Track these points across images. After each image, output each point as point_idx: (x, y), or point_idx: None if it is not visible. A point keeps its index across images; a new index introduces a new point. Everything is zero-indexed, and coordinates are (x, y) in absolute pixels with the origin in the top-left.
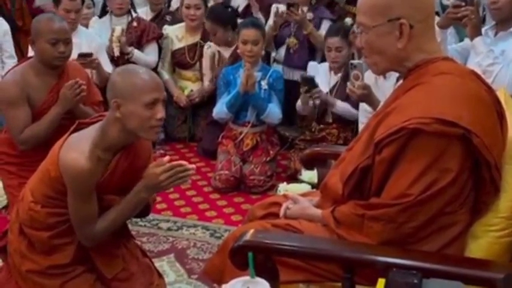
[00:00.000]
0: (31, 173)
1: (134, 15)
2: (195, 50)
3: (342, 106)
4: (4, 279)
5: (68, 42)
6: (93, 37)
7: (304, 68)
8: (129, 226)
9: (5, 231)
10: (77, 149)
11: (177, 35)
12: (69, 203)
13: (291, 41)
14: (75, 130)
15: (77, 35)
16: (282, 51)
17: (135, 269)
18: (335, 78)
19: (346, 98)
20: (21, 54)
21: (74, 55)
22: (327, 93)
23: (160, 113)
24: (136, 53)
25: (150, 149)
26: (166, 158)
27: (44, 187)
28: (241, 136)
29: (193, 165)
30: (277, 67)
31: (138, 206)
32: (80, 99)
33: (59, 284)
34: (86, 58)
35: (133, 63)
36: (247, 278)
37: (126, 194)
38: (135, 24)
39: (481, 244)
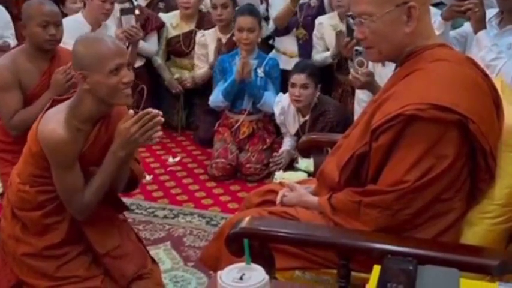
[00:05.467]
0: None
1: (136, 3)
2: (191, 38)
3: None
4: None
5: (58, 24)
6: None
7: None
8: (125, 213)
9: None
10: (53, 121)
11: (171, 22)
12: (54, 175)
13: (299, 32)
14: (50, 107)
15: (104, 29)
16: (283, 39)
17: (130, 249)
18: (302, 120)
19: None
20: (16, 41)
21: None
22: (297, 130)
23: (126, 76)
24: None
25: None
26: (131, 111)
27: (29, 166)
28: (238, 124)
29: (160, 112)
30: (277, 56)
31: (118, 167)
32: (71, 85)
33: (55, 267)
34: (131, 15)
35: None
36: (243, 264)
37: None
38: (138, 12)
39: (476, 231)
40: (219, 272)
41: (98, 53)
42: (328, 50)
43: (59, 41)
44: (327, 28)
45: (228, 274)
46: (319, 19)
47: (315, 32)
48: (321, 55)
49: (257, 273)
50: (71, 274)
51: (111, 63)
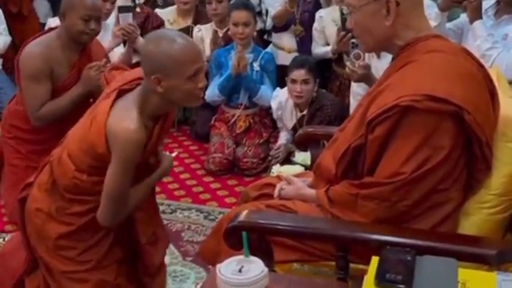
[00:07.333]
0: (41, 157)
1: (137, 1)
2: (188, 34)
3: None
4: (15, 248)
5: (99, 19)
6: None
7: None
8: None
9: (29, 184)
10: (127, 118)
11: (168, 18)
12: (112, 174)
13: (296, 28)
14: (117, 97)
15: (104, 29)
16: (282, 35)
17: (162, 234)
18: (300, 115)
19: None
20: (13, 42)
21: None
22: (294, 125)
23: (202, 82)
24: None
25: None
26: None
27: (89, 159)
28: (234, 118)
29: None
30: (275, 51)
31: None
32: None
33: (79, 250)
34: (128, 13)
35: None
36: (242, 257)
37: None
38: (138, 10)
39: (473, 221)
40: (218, 265)
41: (177, 57)
42: (328, 44)
43: (97, 35)
44: (327, 22)
45: (227, 267)
46: (320, 12)
47: (315, 25)
48: (321, 49)
49: (256, 265)
50: (88, 259)
51: (190, 68)
